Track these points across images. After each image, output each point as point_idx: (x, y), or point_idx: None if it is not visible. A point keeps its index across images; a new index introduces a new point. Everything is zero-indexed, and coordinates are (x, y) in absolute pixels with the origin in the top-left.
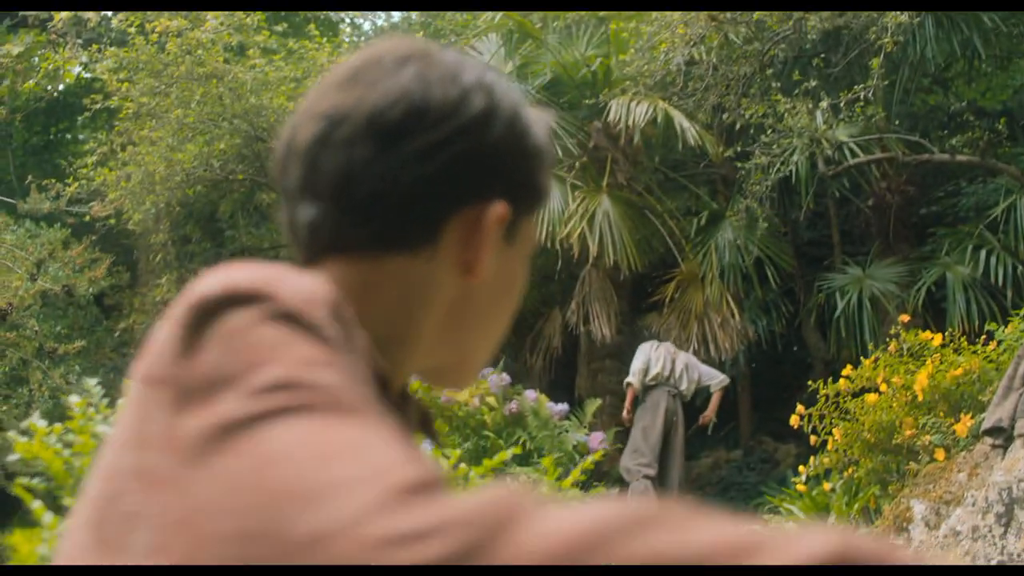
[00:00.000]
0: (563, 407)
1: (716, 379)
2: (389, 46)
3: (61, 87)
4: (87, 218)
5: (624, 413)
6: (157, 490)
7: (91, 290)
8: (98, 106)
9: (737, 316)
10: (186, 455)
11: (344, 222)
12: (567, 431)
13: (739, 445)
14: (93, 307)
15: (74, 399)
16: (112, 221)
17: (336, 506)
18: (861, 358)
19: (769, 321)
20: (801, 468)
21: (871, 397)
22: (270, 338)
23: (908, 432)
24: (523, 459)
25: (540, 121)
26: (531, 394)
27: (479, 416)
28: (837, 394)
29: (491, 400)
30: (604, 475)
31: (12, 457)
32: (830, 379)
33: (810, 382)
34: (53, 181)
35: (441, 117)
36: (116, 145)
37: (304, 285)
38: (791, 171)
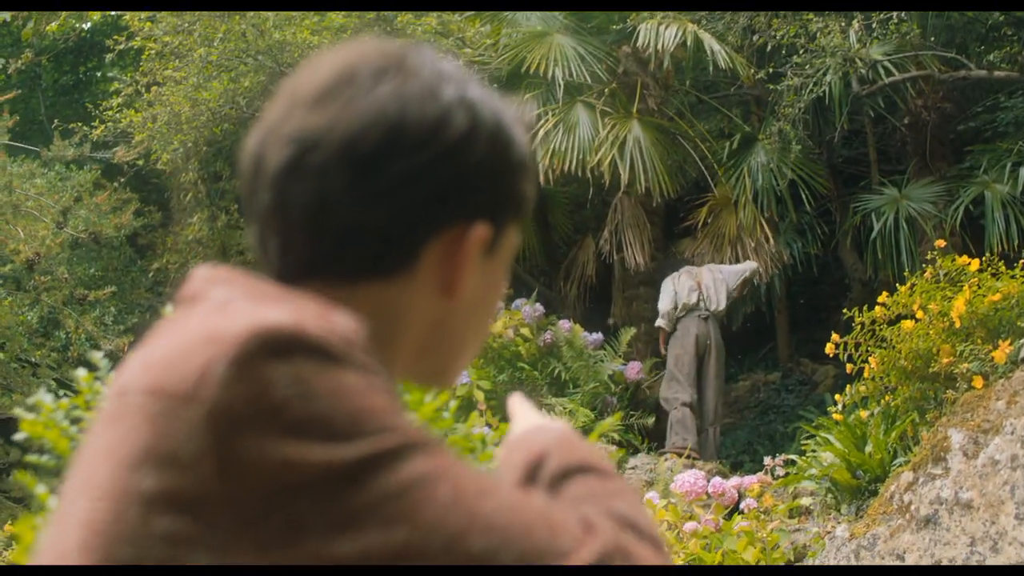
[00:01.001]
0: (597, 337)
1: (744, 273)
2: (363, 55)
3: (87, 25)
4: (114, 161)
5: (662, 350)
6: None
7: (124, 232)
8: (122, 46)
9: (771, 240)
10: (308, 489)
11: (317, 251)
12: (602, 361)
13: (777, 367)
14: (126, 248)
15: (81, 372)
16: (140, 162)
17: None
18: (897, 285)
19: (804, 243)
20: (837, 397)
21: (907, 324)
22: (350, 386)
23: (945, 360)
24: (559, 389)
25: (521, 124)
26: (565, 324)
27: (513, 347)
28: (873, 321)
29: (525, 331)
30: (642, 403)
31: (20, 435)
32: (865, 307)
33: (845, 310)
34: (80, 125)
35: (420, 141)
36: (140, 86)
37: (342, 325)
38: (824, 91)
